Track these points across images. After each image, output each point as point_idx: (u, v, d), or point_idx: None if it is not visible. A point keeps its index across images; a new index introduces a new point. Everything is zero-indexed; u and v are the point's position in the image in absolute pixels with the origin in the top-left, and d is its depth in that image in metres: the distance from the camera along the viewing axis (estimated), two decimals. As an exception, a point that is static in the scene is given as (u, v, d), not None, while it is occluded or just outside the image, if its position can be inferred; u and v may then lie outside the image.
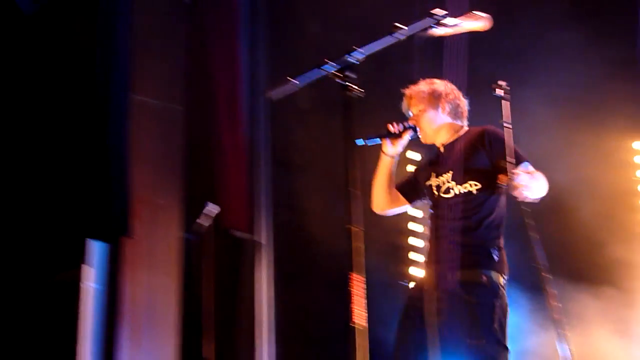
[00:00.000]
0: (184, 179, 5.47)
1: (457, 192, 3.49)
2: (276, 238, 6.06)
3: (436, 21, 2.71)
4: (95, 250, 5.04)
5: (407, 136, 3.69)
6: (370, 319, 2.43)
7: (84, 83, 5.09)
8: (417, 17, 2.70)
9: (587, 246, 5.27)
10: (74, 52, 5.20)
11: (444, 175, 3.57)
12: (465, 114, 3.75)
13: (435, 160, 3.71)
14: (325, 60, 2.58)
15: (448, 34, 2.85)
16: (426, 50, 2.92)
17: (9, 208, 5.14)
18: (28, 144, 5.16)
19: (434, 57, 3.92)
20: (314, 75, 2.61)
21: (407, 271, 5.85)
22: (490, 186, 3.44)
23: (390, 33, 2.63)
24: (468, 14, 2.87)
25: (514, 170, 3.19)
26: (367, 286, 2.46)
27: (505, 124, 3.20)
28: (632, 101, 5.41)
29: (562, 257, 5.05)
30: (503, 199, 3.52)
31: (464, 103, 3.74)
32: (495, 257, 3.40)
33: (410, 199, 3.83)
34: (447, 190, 3.53)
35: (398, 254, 5.52)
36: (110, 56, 5.12)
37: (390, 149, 3.72)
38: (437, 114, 3.68)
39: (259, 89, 6.23)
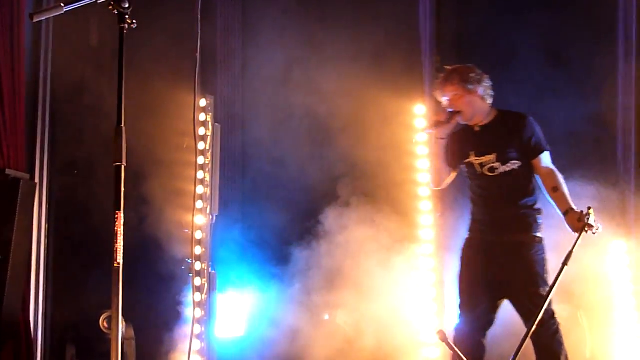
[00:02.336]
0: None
1: (503, 171, 4.18)
2: (53, 178, 5.85)
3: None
4: None
5: (454, 121, 4.28)
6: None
7: None
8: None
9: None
10: None
11: (486, 155, 4.22)
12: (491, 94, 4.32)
13: (472, 139, 4.31)
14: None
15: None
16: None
17: None
18: None
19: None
20: (84, 2, 2.50)
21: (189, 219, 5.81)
22: (528, 163, 4.18)
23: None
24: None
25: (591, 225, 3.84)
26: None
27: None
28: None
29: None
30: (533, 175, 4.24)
31: (490, 85, 4.31)
32: (540, 221, 4.20)
33: (455, 168, 4.43)
34: (492, 169, 4.20)
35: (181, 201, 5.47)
36: None
37: (443, 134, 4.33)
38: (472, 97, 4.24)
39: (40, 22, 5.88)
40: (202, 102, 5.63)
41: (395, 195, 5.70)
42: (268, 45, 5.81)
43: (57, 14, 2.43)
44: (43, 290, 5.80)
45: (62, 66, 6.05)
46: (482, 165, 4.23)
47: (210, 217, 5.18)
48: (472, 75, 4.26)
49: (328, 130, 5.81)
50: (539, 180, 4.21)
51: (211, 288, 5.15)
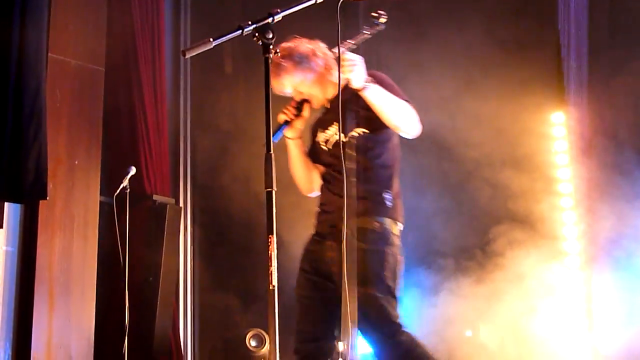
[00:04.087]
0: (104, 141, 5.39)
1: (345, 141, 3.28)
2: (195, 202, 6.10)
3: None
4: (10, 212, 4.94)
5: (304, 112, 3.46)
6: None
7: None
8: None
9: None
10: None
11: (329, 128, 3.45)
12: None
13: (322, 117, 3.57)
14: (247, 22, 2.58)
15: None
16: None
17: None
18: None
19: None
20: (231, 35, 2.60)
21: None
22: (377, 129, 3.35)
23: (311, -6, 2.63)
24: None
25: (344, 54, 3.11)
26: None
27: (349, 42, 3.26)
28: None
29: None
30: (394, 142, 3.44)
31: (336, 54, 3.29)
32: (388, 203, 3.32)
33: (324, 163, 3.57)
34: (336, 143, 3.38)
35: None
36: (27, 14, 4.97)
37: (294, 133, 3.48)
38: (313, 75, 3.43)
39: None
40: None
41: (534, 208, 5.53)
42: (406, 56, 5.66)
43: (207, 48, 2.54)
44: (191, 309, 6.04)
45: (200, 95, 6.31)
46: (326, 141, 3.48)
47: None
48: (303, 50, 3.42)
49: (455, 141, 5.66)
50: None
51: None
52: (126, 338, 4.73)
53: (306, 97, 3.46)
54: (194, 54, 2.56)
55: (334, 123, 3.41)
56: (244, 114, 6.05)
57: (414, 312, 5.38)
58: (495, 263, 5.30)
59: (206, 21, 6.25)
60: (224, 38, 2.57)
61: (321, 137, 3.51)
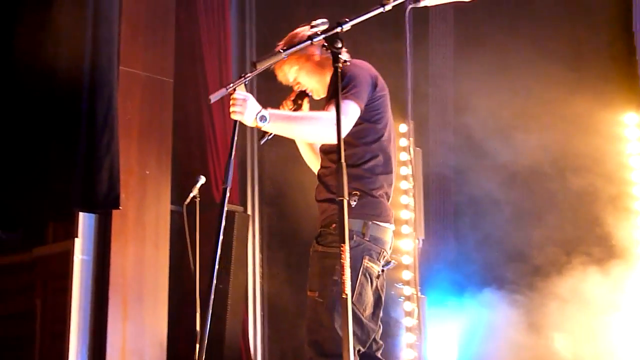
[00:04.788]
0: (173, 151, 5.49)
1: None
2: (263, 209, 6.15)
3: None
4: (85, 222, 5.08)
5: (303, 105, 3.26)
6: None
7: (73, 55, 5.09)
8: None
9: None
10: (63, 23, 5.18)
11: None
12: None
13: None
14: (316, 32, 2.59)
15: (435, 5, 2.86)
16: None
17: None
18: (14, 115, 5.15)
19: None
20: (301, 45, 2.62)
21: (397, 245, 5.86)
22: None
23: (382, 4, 2.63)
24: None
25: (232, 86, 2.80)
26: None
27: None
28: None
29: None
30: (370, 138, 3.13)
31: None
32: (352, 203, 2.97)
33: None
34: None
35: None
36: (98, 28, 5.11)
37: None
38: (310, 65, 3.23)
39: (248, 61, 6.27)
40: (402, 128, 5.69)
41: (610, 211, 5.39)
42: (481, 69, 5.58)
43: (278, 60, 2.57)
44: (260, 316, 6.09)
45: (266, 104, 6.35)
46: None
47: (417, 241, 5.20)
48: (300, 37, 3.08)
49: (529, 143, 5.53)
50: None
51: (422, 312, 5.15)
52: (197, 345, 4.79)
53: (305, 89, 3.26)
54: (265, 65, 2.59)
55: None
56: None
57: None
58: (570, 268, 5.20)
59: (271, 30, 6.30)
60: (294, 48, 2.60)
61: None
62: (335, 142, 2.68)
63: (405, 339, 5.45)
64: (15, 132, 5.20)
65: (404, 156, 5.75)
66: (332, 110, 2.79)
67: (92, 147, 4.92)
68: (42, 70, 5.21)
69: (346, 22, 2.60)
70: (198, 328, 4.78)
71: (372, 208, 3.11)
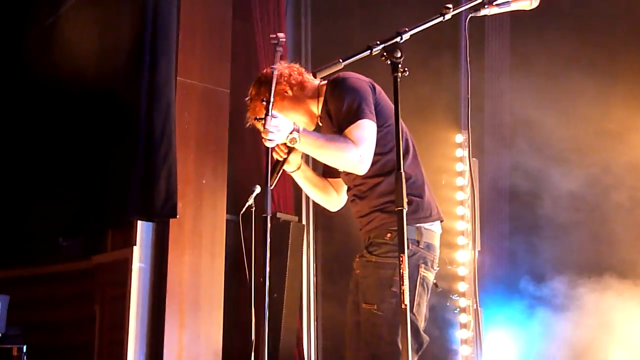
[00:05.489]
0: (229, 161, 5.54)
1: None
2: (318, 219, 6.15)
3: (488, 1, 2.70)
4: (143, 230, 5.16)
5: (297, 144, 3.10)
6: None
7: (132, 66, 5.19)
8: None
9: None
10: (122, 35, 5.29)
11: None
12: (315, 81, 3.21)
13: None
14: (375, 42, 2.59)
15: (493, 14, 2.83)
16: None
17: (57, 187, 5.27)
18: (76, 124, 5.27)
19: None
20: (360, 55, 2.62)
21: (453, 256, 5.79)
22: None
23: (442, 14, 2.61)
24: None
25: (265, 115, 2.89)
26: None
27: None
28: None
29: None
30: (389, 137, 3.07)
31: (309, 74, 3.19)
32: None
33: (338, 174, 3.35)
34: None
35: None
36: (156, 39, 5.20)
37: (292, 167, 3.29)
38: (286, 102, 3.20)
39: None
40: (459, 138, 5.65)
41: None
42: (536, 80, 5.48)
43: (338, 69, 2.58)
44: (315, 325, 6.09)
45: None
46: None
47: (474, 252, 5.14)
48: (267, 78, 3.11)
49: (599, 149, 5.37)
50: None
51: (478, 325, 5.08)
52: (252, 354, 4.81)
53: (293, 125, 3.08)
54: (325, 74, 2.59)
55: None
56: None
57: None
58: (627, 277, 5.07)
59: (326, 39, 6.32)
60: (353, 58, 2.59)
61: None
62: (359, 173, 2.96)
63: (461, 351, 5.39)
64: (76, 142, 5.33)
65: (459, 167, 5.71)
66: (357, 137, 2.92)
67: (150, 156, 4.99)
68: (102, 81, 5.33)
69: (406, 32, 2.60)
70: (253, 337, 4.80)
71: (422, 211, 3.09)
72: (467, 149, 5.43)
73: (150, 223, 5.18)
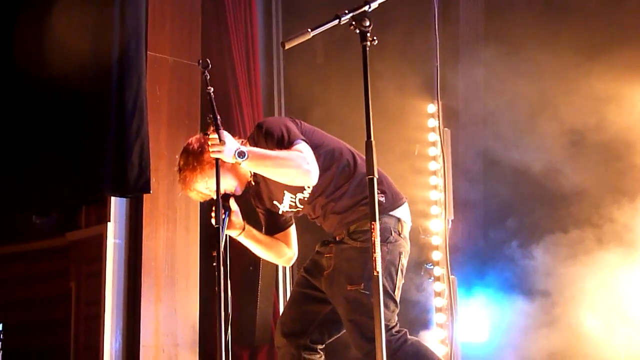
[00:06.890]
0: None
1: (303, 197, 3.33)
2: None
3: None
4: (116, 206, 5.14)
5: (232, 207, 3.32)
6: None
7: (101, 42, 5.13)
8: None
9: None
10: (90, 9, 5.22)
11: (283, 199, 3.38)
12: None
13: (259, 191, 3.47)
14: (343, 11, 2.59)
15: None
16: None
17: (29, 165, 5.22)
18: (45, 100, 5.21)
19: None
20: (328, 25, 2.62)
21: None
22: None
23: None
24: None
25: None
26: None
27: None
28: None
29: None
30: (329, 157, 3.28)
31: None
32: (381, 199, 3.21)
33: (284, 227, 3.54)
34: (300, 201, 3.36)
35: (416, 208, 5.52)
36: (125, 14, 5.14)
37: (235, 230, 3.39)
38: (212, 169, 3.22)
39: (275, 44, 6.30)
40: (431, 108, 5.67)
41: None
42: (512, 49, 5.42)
43: (306, 39, 2.57)
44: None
45: (293, 85, 6.37)
46: (291, 205, 3.41)
47: (447, 222, 5.19)
48: (198, 145, 3.31)
49: (583, 128, 5.34)
50: None
51: (452, 293, 5.15)
52: (229, 327, 4.84)
53: (225, 189, 3.28)
54: (293, 44, 2.59)
55: (283, 192, 3.33)
56: (336, 104, 6.06)
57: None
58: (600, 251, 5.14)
59: (297, 11, 6.29)
60: (321, 28, 2.60)
61: (285, 206, 3.40)
62: (304, 184, 3.18)
63: (435, 319, 5.46)
64: (46, 118, 5.27)
65: (432, 137, 5.73)
66: (301, 149, 3.10)
67: (122, 132, 4.95)
68: (71, 57, 5.26)
69: (374, 1, 2.60)
70: (230, 310, 4.83)
71: (395, 197, 3.33)
72: (439, 119, 5.49)
73: (124, 199, 5.16)
